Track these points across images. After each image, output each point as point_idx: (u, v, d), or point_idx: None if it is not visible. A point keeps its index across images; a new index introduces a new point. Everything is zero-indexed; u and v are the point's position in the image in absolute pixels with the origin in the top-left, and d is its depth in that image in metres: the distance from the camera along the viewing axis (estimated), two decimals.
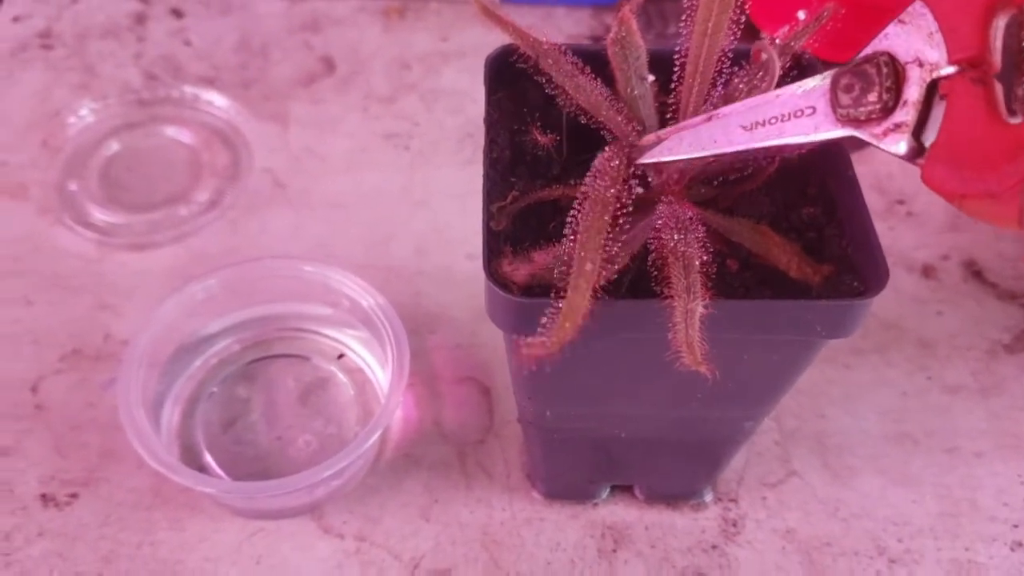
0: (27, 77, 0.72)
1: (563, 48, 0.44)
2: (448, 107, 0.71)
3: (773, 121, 0.34)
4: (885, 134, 0.30)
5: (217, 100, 0.69)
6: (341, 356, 0.55)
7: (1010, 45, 0.27)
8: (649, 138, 0.40)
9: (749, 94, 0.40)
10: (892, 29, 0.30)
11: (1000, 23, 0.27)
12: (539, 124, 0.44)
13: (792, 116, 0.33)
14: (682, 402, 0.43)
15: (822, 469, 0.54)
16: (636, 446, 0.48)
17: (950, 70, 0.29)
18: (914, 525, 0.52)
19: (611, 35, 0.44)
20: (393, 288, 0.58)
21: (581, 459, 0.50)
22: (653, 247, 0.38)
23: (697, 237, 0.38)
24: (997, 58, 0.28)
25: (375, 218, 0.65)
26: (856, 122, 0.31)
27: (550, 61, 0.44)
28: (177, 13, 0.77)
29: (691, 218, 0.39)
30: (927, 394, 0.57)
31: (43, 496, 0.53)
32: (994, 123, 0.27)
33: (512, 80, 0.45)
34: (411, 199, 0.66)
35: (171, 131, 0.68)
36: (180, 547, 0.51)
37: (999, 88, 0.27)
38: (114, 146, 0.67)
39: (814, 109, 0.32)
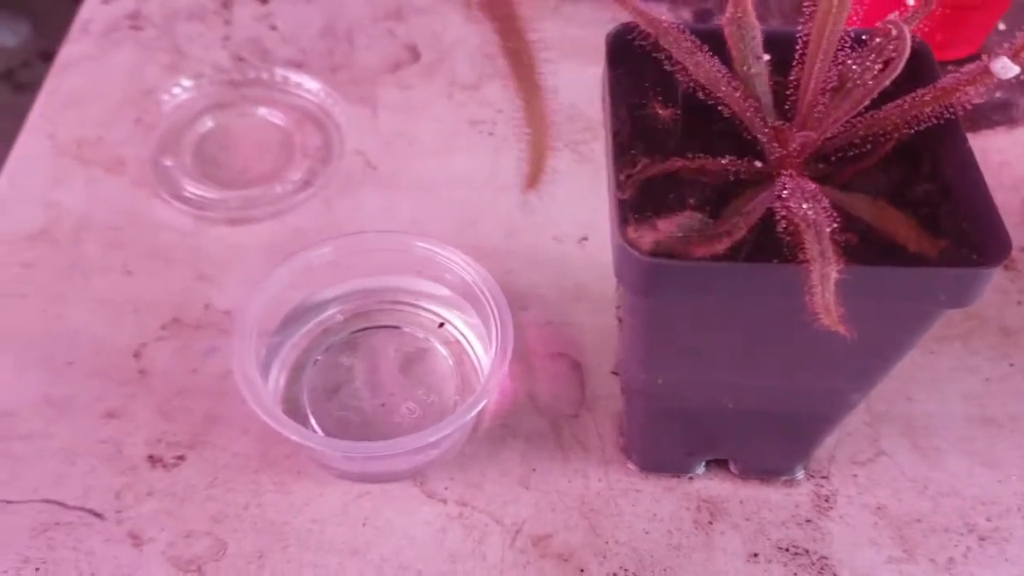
0: (119, 57, 0.74)
1: (681, 27, 0.45)
2: None
3: None
4: None
5: (307, 83, 0.71)
6: (441, 325, 0.57)
7: None
8: None
9: (862, 76, 0.42)
10: None
11: None
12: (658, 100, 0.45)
13: None
14: (797, 371, 0.45)
15: (910, 449, 0.55)
16: (740, 419, 0.49)
17: None
18: (1002, 504, 0.53)
19: (727, 15, 0.45)
20: (484, 267, 0.59)
21: (683, 431, 0.51)
22: (779, 216, 0.40)
23: (824, 207, 0.39)
24: None
25: (463, 200, 0.66)
26: None
27: (670, 39, 0.45)
28: None
29: (815, 189, 0.40)
30: (1010, 380, 0.58)
31: (150, 457, 0.54)
32: None
33: (629, 58, 0.46)
34: (497, 183, 0.67)
35: (263, 112, 0.70)
36: (287, 509, 0.52)
37: None
38: (208, 124, 0.69)
39: None
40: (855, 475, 0.55)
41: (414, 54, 0.75)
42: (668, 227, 0.40)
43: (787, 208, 0.40)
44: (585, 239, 0.64)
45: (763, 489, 0.54)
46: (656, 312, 0.41)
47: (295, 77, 0.71)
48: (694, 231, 0.40)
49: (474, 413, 0.50)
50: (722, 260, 0.39)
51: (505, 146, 0.69)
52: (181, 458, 0.54)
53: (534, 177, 0.37)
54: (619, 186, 0.41)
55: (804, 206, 0.39)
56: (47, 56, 2.08)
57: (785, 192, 0.40)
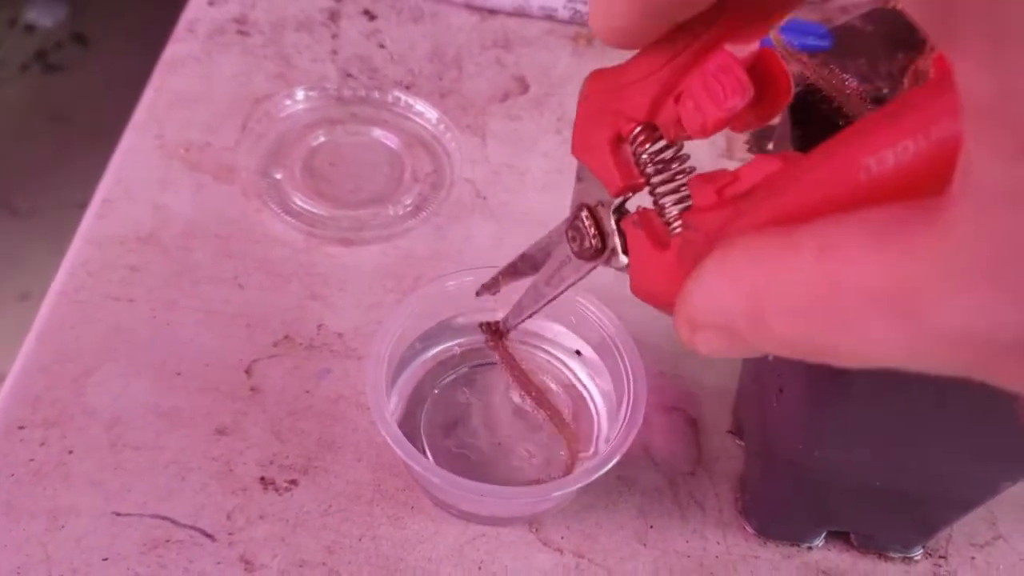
0: (225, 61, 0.73)
1: (863, 93, 0.45)
2: None
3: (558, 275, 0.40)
4: (609, 260, 0.35)
5: (418, 106, 0.70)
6: (578, 352, 0.55)
7: (642, 168, 0.32)
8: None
9: None
10: (576, 187, 0.35)
11: (628, 150, 0.32)
12: None
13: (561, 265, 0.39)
14: (966, 457, 0.44)
15: None
16: (881, 496, 0.48)
17: (617, 202, 0.34)
18: None
19: (906, 86, 0.45)
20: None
21: (816, 503, 0.50)
22: None
23: None
24: (642, 181, 0.32)
25: None
26: (590, 259, 0.36)
27: (853, 106, 0.45)
28: (369, 15, 0.78)
29: None
30: None
31: (262, 479, 0.53)
32: (655, 250, 0.31)
33: (803, 120, 0.46)
34: None
35: (376, 132, 0.69)
36: (401, 544, 0.51)
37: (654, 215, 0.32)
38: (320, 139, 0.68)
39: (568, 257, 0.38)
40: (973, 557, 0.54)
41: (523, 85, 0.74)
42: None
43: None
44: None
45: (882, 565, 0.53)
46: (847, 391, 0.40)
47: (407, 99, 0.70)
48: None
49: (606, 469, 0.49)
50: None
51: None
52: (294, 482, 0.53)
53: (571, 464, 0.51)
54: None
55: None
56: (81, 39, 2.07)
57: None
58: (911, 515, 0.50)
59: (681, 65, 0.29)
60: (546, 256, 0.41)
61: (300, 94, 0.69)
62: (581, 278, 0.39)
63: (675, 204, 0.31)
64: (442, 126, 0.69)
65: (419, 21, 0.78)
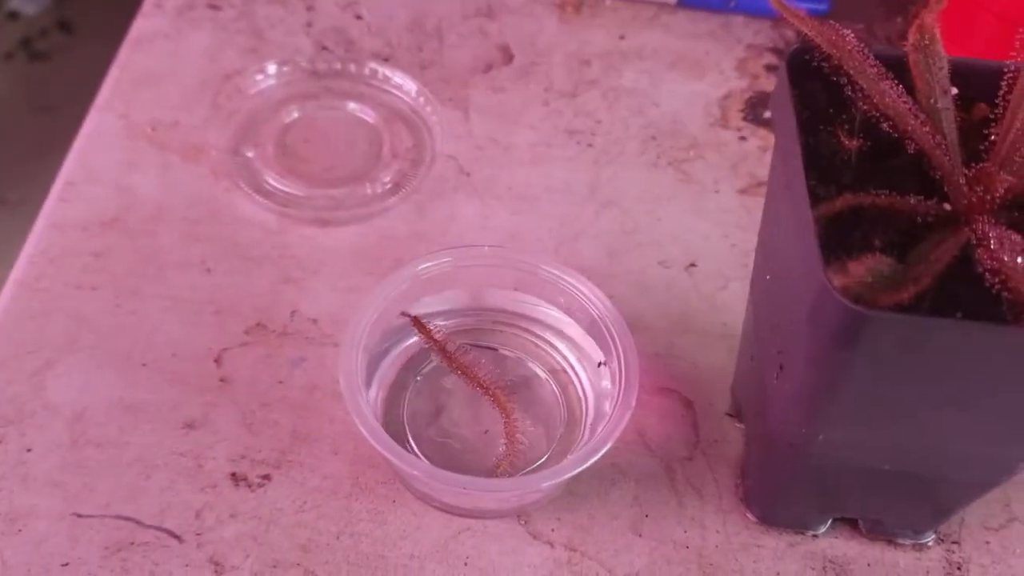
0: (196, 37, 0.70)
1: (866, 51, 0.42)
2: (630, 107, 0.69)
3: None
4: None
5: (397, 79, 0.66)
6: (601, 364, 0.52)
7: None
8: None
9: None
10: None
11: None
12: (831, 128, 0.42)
13: None
14: (980, 437, 0.41)
15: None
16: (891, 479, 0.45)
17: None
18: None
19: (911, 41, 0.42)
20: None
21: (822, 488, 0.47)
22: (985, 268, 0.36)
23: None
24: None
25: (563, 214, 0.62)
26: None
27: (854, 64, 0.42)
28: None
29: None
30: None
31: (233, 475, 0.50)
32: None
33: (800, 80, 0.43)
34: (598, 198, 0.63)
35: (352, 106, 0.66)
36: (382, 541, 0.48)
37: None
38: (293, 114, 0.65)
39: None
40: (987, 542, 0.51)
41: (507, 55, 0.71)
42: (858, 270, 0.37)
43: (998, 262, 0.36)
44: (693, 265, 0.60)
45: (891, 552, 0.50)
46: (850, 367, 0.37)
47: (385, 72, 0.66)
48: (883, 276, 0.37)
49: (597, 457, 0.46)
50: (908, 310, 0.35)
51: (604, 159, 0.65)
52: (267, 477, 0.50)
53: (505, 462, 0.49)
54: (817, 223, 0.37)
55: (1020, 260, 0.36)
56: (66, 26, 2.03)
57: (993, 243, 0.37)
58: (923, 498, 0.48)
59: None
60: None
61: (272, 68, 0.66)
62: None
63: None
64: (422, 99, 0.66)
65: None
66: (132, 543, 0.47)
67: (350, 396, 0.45)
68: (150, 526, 0.47)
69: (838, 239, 0.38)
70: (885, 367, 0.37)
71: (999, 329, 0.34)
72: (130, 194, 0.60)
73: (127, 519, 0.48)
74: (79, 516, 0.48)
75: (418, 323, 0.50)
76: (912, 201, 0.40)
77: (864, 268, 0.37)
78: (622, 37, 0.73)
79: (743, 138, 0.67)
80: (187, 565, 0.46)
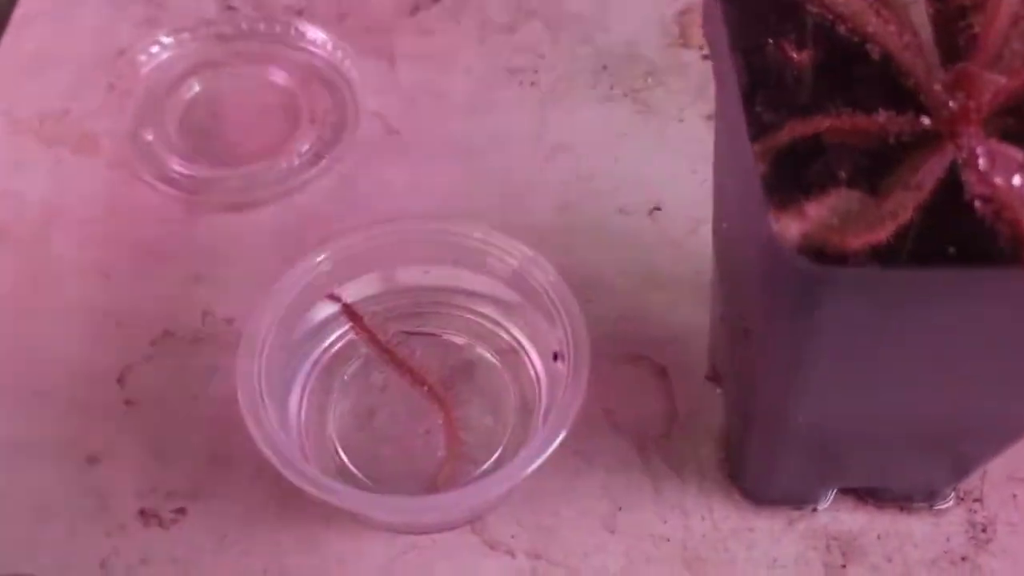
0: (84, 13, 0.63)
1: None
2: (575, 36, 0.61)
3: None
4: None
5: (311, 34, 0.59)
6: (556, 357, 0.45)
7: None
8: None
9: None
10: None
11: None
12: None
13: None
14: (989, 391, 0.34)
15: None
16: (895, 443, 0.38)
17: None
18: None
19: None
20: (535, 250, 0.48)
21: (817, 458, 0.40)
22: (974, 194, 0.29)
23: None
24: None
25: (507, 167, 0.55)
26: None
27: None
28: None
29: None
30: None
31: (142, 512, 0.44)
32: None
33: None
34: (546, 144, 0.56)
35: (259, 70, 0.59)
36: (316, 572, 0.42)
37: None
38: (194, 88, 0.58)
39: None
40: (1015, 495, 0.44)
41: None
42: (819, 212, 0.30)
43: (990, 185, 0.29)
44: (657, 209, 0.53)
45: (905, 520, 0.43)
46: (819, 335, 0.30)
47: (298, 27, 0.59)
48: (852, 215, 0.30)
49: (552, 449, 0.39)
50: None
51: (551, 98, 0.58)
52: (181, 511, 0.44)
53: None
54: (757, 159, 0.30)
55: (1016, 181, 0.29)
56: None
57: (981, 162, 0.30)
58: (937, 459, 0.41)
59: None
60: None
61: (170, 39, 0.59)
62: None
63: None
64: (339, 52, 0.58)
65: None
66: None
67: (249, 412, 0.39)
68: None
69: (793, 176, 0.31)
70: (862, 331, 0.30)
71: (992, 273, 0.27)
72: (17, 199, 0.54)
73: None
74: None
75: (348, 309, 0.44)
76: (881, 118, 0.32)
77: (826, 208, 0.30)
78: None
79: (707, 56, 0.60)
80: None
